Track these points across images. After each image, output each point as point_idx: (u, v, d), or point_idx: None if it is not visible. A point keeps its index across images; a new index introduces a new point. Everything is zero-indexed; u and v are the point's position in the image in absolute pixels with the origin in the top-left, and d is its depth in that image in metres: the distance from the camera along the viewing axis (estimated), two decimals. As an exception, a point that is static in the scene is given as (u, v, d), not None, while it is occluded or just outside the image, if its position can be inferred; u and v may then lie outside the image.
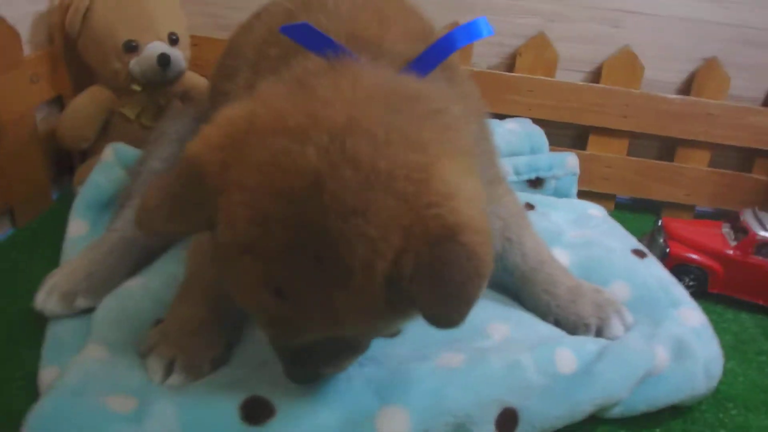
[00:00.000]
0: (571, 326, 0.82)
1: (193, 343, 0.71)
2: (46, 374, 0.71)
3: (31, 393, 0.71)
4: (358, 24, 0.67)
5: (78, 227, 0.96)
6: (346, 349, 0.63)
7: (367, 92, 0.56)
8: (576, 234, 1.02)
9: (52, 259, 0.95)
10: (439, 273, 0.50)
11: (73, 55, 1.10)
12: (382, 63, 0.63)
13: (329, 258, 0.51)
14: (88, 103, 1.06)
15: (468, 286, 0.50)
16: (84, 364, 0.68)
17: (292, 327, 0.56)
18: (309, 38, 0.64)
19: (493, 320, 0.82)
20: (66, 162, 1.16)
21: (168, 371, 0.69)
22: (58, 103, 1.13)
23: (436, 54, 0.65)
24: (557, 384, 0.71)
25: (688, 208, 1.30)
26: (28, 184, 1.04)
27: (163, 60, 1.01)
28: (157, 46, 1.04)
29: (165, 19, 1.07)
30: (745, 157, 1.27)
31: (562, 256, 0.94)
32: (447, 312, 0.50)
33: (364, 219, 0.50)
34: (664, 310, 0.84)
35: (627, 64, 1.23)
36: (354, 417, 0.65)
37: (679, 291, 0.89)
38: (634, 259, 0.96)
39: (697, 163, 1.26)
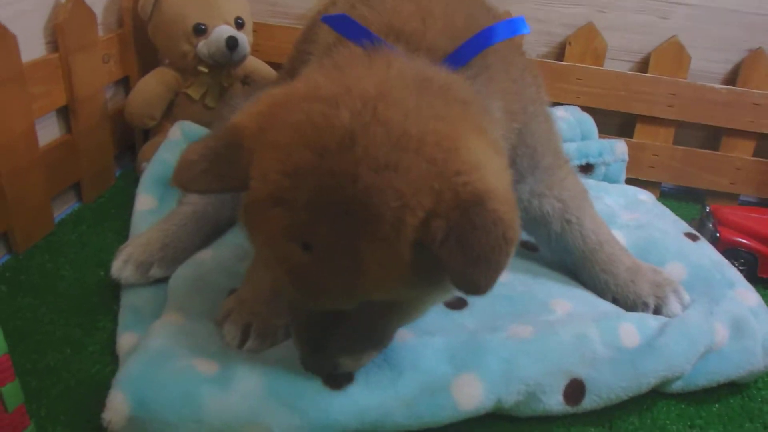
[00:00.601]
0: (630, 304, 0.85)
1: (268, 310, 0.74)
2: (124, 340, 0.75)
3: (107, 358, 0.75)
4: (401, 17, 0.70)
5: (146, 201, 0.99)
6: (365, 338, 0.63)
7: (398, 73, 0.59)
8: (629, 217, 1.04)
9: (119, 232, 0.99)
10: (469, 236, 0.51)
11: (140, 37, 1.14)
12: (418, 55, 0.66)
13: (358, 209, 0.52)
14: (155, 83, 1.10)
15: (496, 250, 0.51)
16: (165, 329, 0.71)
17: (315, 284, 0.56)
18: (348, 28, 0.67)
19: (556, 296, 0.85)
20: (128, 141, 1.20)
21: (244, 337, 0.72)
22: (125, 83, 1.17)
23: (469, 50, 0.68)
24: (622, 356, 0.74)
25: (733, 197, 1.32)
26: (96, 160, 1.08)
27: (231, 42, 1.05)
28: (225, 30, 1.07)
29: (232, 4, 1.10)
30: (790, 147, 1.29)
31: (617, 237, 0.96)
32: (476, 276, 0.51)
33: (397, 174, 0.52)
34: (721, 290, 0.87)
35: (674, 54, 1.25)
36: (430, 384, 0.68)
37: (733, 272, 0.91)
38: (687, 241, 0.98)
39: (741, 152, 1.28)
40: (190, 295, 0.78)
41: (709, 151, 1.30)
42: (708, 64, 1.26)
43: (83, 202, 1.07)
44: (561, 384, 0.71)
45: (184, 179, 0.58)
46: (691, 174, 1.30)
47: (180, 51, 1.09)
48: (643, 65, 1.28)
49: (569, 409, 0.72)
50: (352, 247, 0.53)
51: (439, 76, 0.62)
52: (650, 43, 1.26)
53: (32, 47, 0.91)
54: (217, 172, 0.57)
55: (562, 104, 1.27)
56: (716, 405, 0.78)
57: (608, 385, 0.73)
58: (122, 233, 0.99)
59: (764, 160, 1.29)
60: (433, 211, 0.52)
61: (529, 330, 0.75)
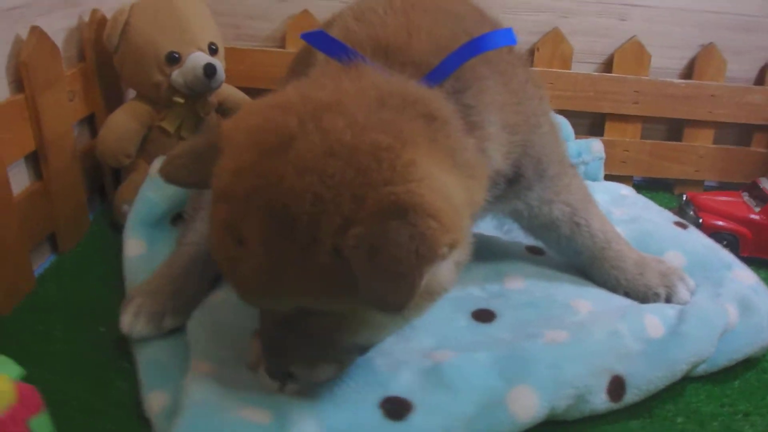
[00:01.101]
0: (642, 296, 0.87)
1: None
2: (154, 399, 0.69)
3: (129, 422, 0.69)
4: (386, 31, 0.69)
5: (136, 247, 0.93)
6: (317, 349, 0.62)
7: (363, 87, 0.60)
8: (620, 212, 1.07)
9: (105, 280, 0.93)
10: (378, 246, 0.49)
11: (103, 71, 1.07)
12: (402, 69, 0.65)
13: (280, 210, 0.53)
14: (127, 118, 1.04)
15: (405, 265, 0.49)
16: (202, 381, 0.66)
17: (245, 279, 0.57)
18: (326, 44, 0.68)
19: (575, 297, 0.86)
20: (97, 182, 1.12)
21: (282, 380, 0.68)
22: (89, 121, 1.10)
23: (452, 63, 0.67)
24: (652, 348, 0.75)
25: (698, 184, 1.39)
26: (69, 206, 1.00)
27: (210, 70, 1.00)
28: (200, 57, 1.02)
29: (203, 30, 1.06)
30: (744, 133, 1.37)
31: (619, 230, 0.99)
32: (383, 290, 0.49)
33: (319, 179, 0.52)
34: (720, 273, 0.91)
35: (635, 53, 1.30)
36: (486, 401, 0.67)
37: (727, 255, 0.96)
38: (678, 230, 1.02)
39: (703, 141, 1.35)
40: (214, 340, 0.74)
41: (674, 143, 1.36)
42: (666, 60, 1.32)
43: (60, 252, 0.99)
44: (604, 382, 0.72)
45: (165, 171, 0.64)
46: (659, 165, 1.36)
47: (152, 82, 1.03)
48: (607, 66, 1.33)
49: (613, 406, 0.73)
50: (275, 247, 0.54)
51: (408, 91, 0.61)
52: (612, 44, 1.32)
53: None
54: (194, 167, 0.62)
55: (535, 109, 1.30)
56: (736, 382, 0.82)
57: (645, 377, 0.74)
58: (109, 282, 0.92)
59: (723, 146, 1.36)
60: (351, 218, 0.51)
61: (564, 334, 0.75)
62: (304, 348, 0.62)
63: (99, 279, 0.94)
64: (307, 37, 0.70)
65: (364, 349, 0.69)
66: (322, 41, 0.68)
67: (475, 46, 0.67)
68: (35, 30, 0.88)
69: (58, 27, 0.98)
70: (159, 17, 1.02)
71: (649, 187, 1.38)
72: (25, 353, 0.76)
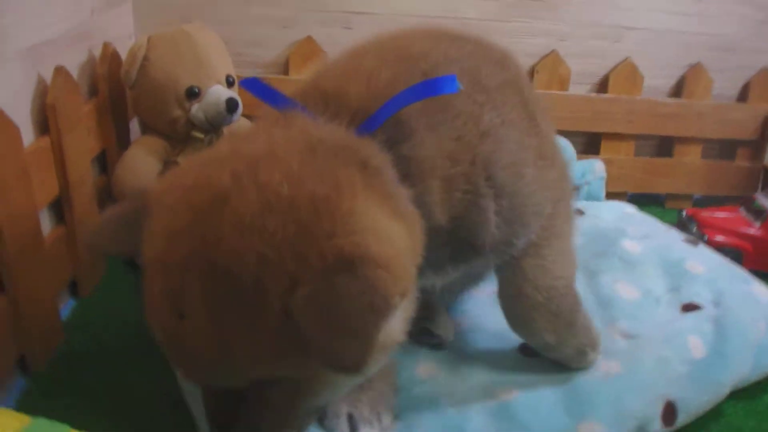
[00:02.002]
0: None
1: (366, 397, 0.72)
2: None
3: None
4: (328, 78, 0.66)
5: None
6: (273, 422, 0.57)
7: (292, 135, 0.57)
8: (632, 229, 1.12)
9: (130, 322, 0.89)
10: (329, 304, 0.47)
11: (115, 106, 1.03)
12: (331, 117, 0.61)
13: (221, 274, 0.49)
14: (144, 154, 1.00)
15: (360, 320, 0.46)
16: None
17: (191, 356, 0.52)
18: (261, 92, 0.65)
19: (610, 321, 0.89)
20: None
21: (352, 428, 0.69)
22: (101, 158, 1.05)
23: (386, 112, 0.62)
24: (697, 369, 0.79)
25: (688, 198, 1.46)
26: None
27: (233, 104, 0.98)
28: (221, 91, 1.00)
29: (221, 62, 1.03)
30: (729, 147, 1.45)
31: (636, 247, 1.04)
32: (338, 349, 0.46)
33: (261, 238, 0.49)
34: (740, 287, 0.95)
35: (629, 74, 1.36)
36: (560, 438, 0.69)
37: (740, 270, 1.01)
38: (690, 246, 1.07)
39: (692, 156, 1.42)
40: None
41: (665, 158, 1.42)
42: (657, 80, 1.38)
43: (80, 297, 0.95)
44: (659, 409, 0.75)
45: (92, 242, 0.61)
46: (652, 181, 1.42)
47: (170, 117, 0.99)
48: (601, 86, 1.38)
49: (666, 431, 0.76)
50: (222, 316, 0.49)
51: (337, 139, 0.58)
52: (606, 66, 1.37)
53: (25, 133, 0.79)
54: (123, 236, 0.57)
55: (537, 130, 1.33)
56: (765, 396, 0.86)
57: (694, 401, 0.77)
58: (134, 325, 0.89)
59: (710, 161, 1.44)
60: (298, 277, 0.48)
61: (616, 365, 0.78)
62: (259, 422, 0.57)
63: (124, 323, 0.90)
64: (244, 83, 0.67)
65: (318, 412, 0.64)
66: (257, 89, 0.65)
67: (409, 96, 0.61)
68: (60, 70, 0.84)
69: (72, 63, 0.93)
70: (178, 51, 0.99)
71: (640, 201, 1.44)
72: (65, 410, 0.74)
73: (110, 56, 1.01)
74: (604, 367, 0.78)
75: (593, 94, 1.36)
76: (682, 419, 0.76)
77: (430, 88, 0.61)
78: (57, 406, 0.75)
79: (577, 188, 1.27)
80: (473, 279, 0.89)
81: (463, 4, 1.30)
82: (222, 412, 0.56)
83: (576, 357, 0.77)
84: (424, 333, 0.85)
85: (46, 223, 0.87)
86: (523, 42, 1.33)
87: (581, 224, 1.11)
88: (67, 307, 0.93)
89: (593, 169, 1.28)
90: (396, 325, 0.56)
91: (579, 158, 1.32)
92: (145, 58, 0.97)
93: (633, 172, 1.41)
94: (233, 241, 0.49)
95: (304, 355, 0.49)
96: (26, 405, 0.75)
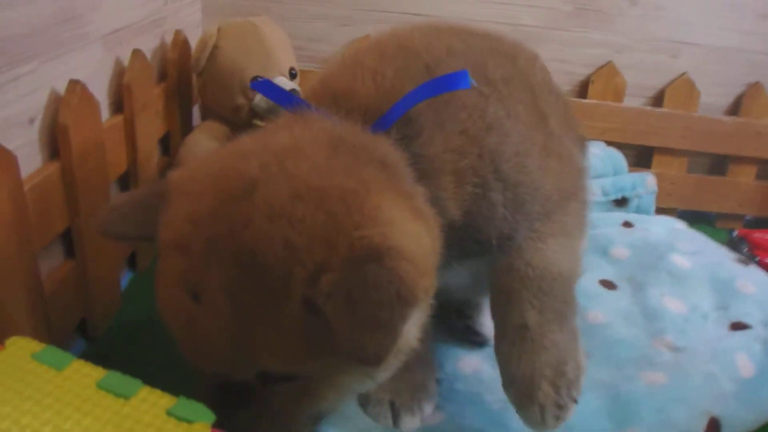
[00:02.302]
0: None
1: (406, 385, 0.72)
2: None
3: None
4: (336, 78, 0.66)
5: None
6: (270, 423, 0.56)
7: (314, 133, 0.58)
8: (682, 245, 1.11)
9: None
10: (358, 293, 0.46)
11: (181, 91, 1.07)
12: (352, 116, 0.61)
13: (247, 257, 0.48)
14: (206, 139, 1.04)
15: (387, 309, 0.46)
16: (327, 421, 0.68)
17: (202, 341, 0.51)
18: (273, 93, 0.66)
19: (657, 333, 0.88)
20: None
21: (394, 415, 0.70)
22: (165, 140, 1.10)
23: (397, 110, 0.62)
24: (744, 388, 0.78)
25: (739, 218, 1.43)
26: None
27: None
28: (284, 83, 1.03)
29: (284, 56, 1.06)
30: (783, 169, 1.43)
31: (686, 262, 1.02)
32: (363, 338, 0.46)
33: (289, 224, 0.49)
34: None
35: (685, 89, 1.34)
36: (597, 444, 0.69)
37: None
38: (741, 266, 1.05)
39: (746, 176, 1.40)
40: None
41: (718, 177, 1.40)
42: (714, 98, 1.37)
43: (138, 270, 0.99)
44: (703, 424, 0.74)
45: (101, 223, 0.56)
46: (703, 199, 1.40)
47: (234, 104, 1.03)
48: (657, 100, 1.37)
49: (709, 447, 0.75)
50: (240, 300, 0.49)
51: (356, 137, 0.58)
52: (663, 80, 1.36)
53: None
54: (136, 219, 0.56)
55: (588, 141, 1.33)
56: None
57: (740, 419, 0.76)
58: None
59: (765, 182, 1.41)
60: (324, 264, 0.48)
61: (662, 376, 0.78)
62: (259, 424, 0.55)
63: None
64: (255, 86, 0.69)
65: (320, 419, 0.61)
66: (268, 89, 0.66)
67: (425, 90, 0.62)
68: (138, 53, 0.88)
69: (146, 48, 0.98)
70: (246, 42, 1.02)
71: (690, 219, 1.42)
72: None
73: (181, 43, 1.05)
74: (649, 377, 0.78)
75: (648, 108, 1.36)
76: (726, 436, 0.76)
77: (442, 84, 0.61)
78: (111, 368, 0.79)
79: (626, 200, 1.26)
80: (483, 280, 0.87)
81: (519, 11, 1.31)
82: (223, 405, 0.53)
83: (538, 394, 0.62)
84: (468, 331, 0.86)
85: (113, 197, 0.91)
86: (580, 52, 1.33)
87: (630, 236, 1.11)
88: (125, 278, 0.98)
89: (644, 183, 1.27)
90: (411, 328, 0.55)
91: (631, 171, 1.31)
92: (215, 47, 1.01)
93: (684, 188, 1.39)
94: (261, 225, 0.49)
95: (321, 350, 0.49)
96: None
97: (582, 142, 0.91)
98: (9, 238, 0.62)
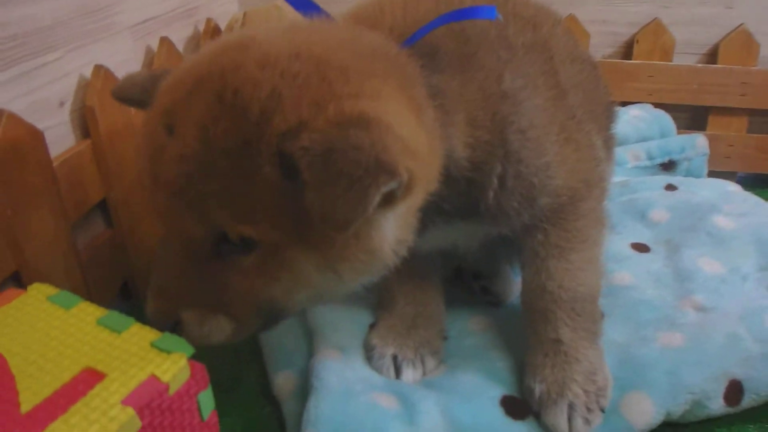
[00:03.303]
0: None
1: (411, 340, 0.75)
2: (282, 380, 0.75)
3: (261, 400, 0.75)
4: (359, 10, 0.67)
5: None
6: (217, 298, 0.55)
7: (334, 26, 0.58)
8: (728, 207, 1.04)
9: None
10: (335, 150, 0.44)
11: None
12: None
13: (229, 95, 0.48)
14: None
15: (362, 169, 0.44)
16: (332, 366, 0.70)
17: (169, 172, 0.50)
18: (303, 5, 0.65)
19: (685, 293, 0.84)
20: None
21: (397, 369, 0.73)
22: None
23: (422, 32, 0.61)
24: (772, 350, 0.73)
25: (808, 180, 1.32)
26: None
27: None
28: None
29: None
30: None
31: (730, 223, 0.97)
32: (333, 194, 0.44)
33: (281, 76, 0.48)
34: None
35: (743, 42, 1.25)
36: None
37: None
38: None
39: (816, 134, 1.28)
40: (336, 330, 0.78)
41: (784, 136, 1.30)
42: (776, 49, 1.26)
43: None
44: (721, 387, 0.71)
45: (119, 88, 0.61)
46: (765, 160, 1.30)
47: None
48: (711, 56, 1.28)
49: (729, 410, 0.72)
50: (210, 134, 0.48)
51: (379, 43, 0.58)
52: (717, 34, 1.27)
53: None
54: (144, 84, 0.58)
55: (634, 103, 1.28)
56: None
57: (765, 383, 0.72)
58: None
59: (838, 140, 1.29)
60: (307, 122, 0.47)
61: (680, 337, 0.75)
62: (204, 292, 0.54)
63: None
64: None
65: (272, 314, 0.57)
66: (300, 1, 0.65)
67: (450, 15, 0.62)
68: (164, 41, 0.95)
69: (178, 37, 1.05)
70: (270, 25, 1.07)
71: (754, 184, 1.33)
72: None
73: (212, 30, 1.12)
74: (664, 339, 0.75)
75: (700, 65, 1.27)
76: (748, 400, 0.72)
77: (467, 12, 0.62)
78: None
79: (674, 164, 1.20)
80: (491, 249, 0.85)
81: (557, -28, 1.27)
82: (170, 275, 0.54)
83: (568, 393, 0.66)
84: (482, 291, 0.86)
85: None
86: (621, 9, 1.27)
87: (671, 199, 1.06)
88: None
89: (694, 145, 1.20)
90: (389, 233, 0.54)
91: (679, 134, 1.25)
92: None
93: (745, 150, 1.30)
94: (252, 70, 0.49)
95: (281, 214, 0.49)
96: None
97: (610, 111, 0.89)
98: (42, 209, 0.70)
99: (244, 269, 0.53)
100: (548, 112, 0.66)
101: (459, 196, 0.63)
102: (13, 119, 0.65)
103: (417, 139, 0.51)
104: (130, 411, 0.46)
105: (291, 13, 1.11)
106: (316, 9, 0.64)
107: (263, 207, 0.49)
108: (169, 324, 0.55)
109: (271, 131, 0.47)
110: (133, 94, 0.60)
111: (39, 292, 0.60)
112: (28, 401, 0.47)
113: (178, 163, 0.49)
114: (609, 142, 0.87)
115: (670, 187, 1.12)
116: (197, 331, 0.55)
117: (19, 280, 0.69)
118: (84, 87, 0.80)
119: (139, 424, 0.47)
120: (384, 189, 0.45)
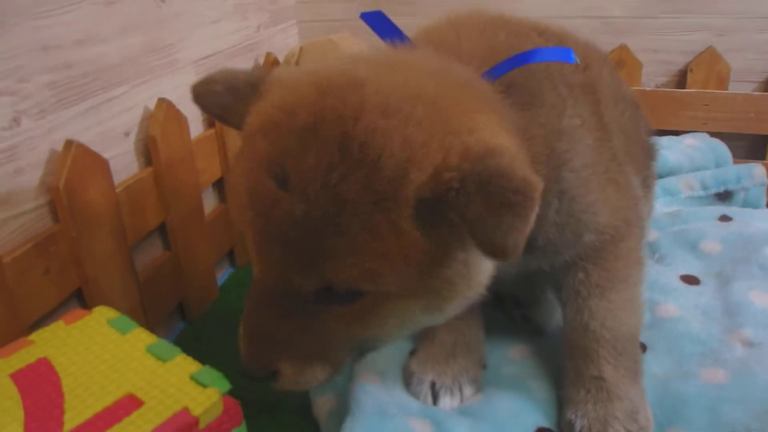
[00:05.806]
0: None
1: (450, 368, 0.76)
2: (322, 402, 0.77)
3: (302, 422, 0.78)
4: (434, 33, 0.66)
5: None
6: (312, 346, 0.54)
7: (425, 57, 0.56)
8: (787, 239, 1.00)
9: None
10: (487, 182, 0.44)
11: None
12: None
13: (355, 147, 0.45)
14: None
15: (520, 194, 0.43)
16: (370, 389, 0.72)
17: (282, 226, 0.47)
18: (381, 26, 0.63)
19: (733, 328, 0.82)
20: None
21: (434, 395, 0.74)
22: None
23: (501, 69, 0.62)
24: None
25: None
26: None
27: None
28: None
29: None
30: None
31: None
32: (501, 226, 0.43)
33: (406, 122, 0.46)
34: None
35: (804, 70, 1.21)
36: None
37: None
38: None
39: None
40: (377, 356, 0.79)
41: None
42: (839, 76, 1.22)
43: (237, 266, 1.12)
44: (765, 426, 0.68)
45: (198, 90, 0.57)
46: (832, 192, 1.24)
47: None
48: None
49: (776, 451, 0.69)
50: (335, 189, 0.45)
51: (467, 76, 0.57)
52: (775, 61, 1.24)
53: (194, 125, 0.98)
54: (226, 99, 0.55)
55: (688, 132, 1.25)
56: None
57: (815, 424, 0.69)
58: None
59: None
60: (442, 165, 0.45)
61: (723, 373, 0.73)
62: (302, 342, 0.53)
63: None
64: (365, 17, 0.65)
65: (365, 350, 0.59)
66: (378, 22, 0.63)
67: (532, 56, 0.62)
68: (223, 74, 1.01)
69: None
70: (325, 58, 1.12)
71: (820, 214, 1.27)
72: (207, 355, 0.88)
73: (271, 64, 1.18)
74: (706, 375, 0.73)
75: (757, 93, 1.24)
76: (798, 438, 0.69)
77: (547, 53, 0.62)
78: (202, 349, 0.91)
79: (730, 194, 1.16)
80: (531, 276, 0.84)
81: (606, 3, 1.27)
82: (266, 325, 0.53)
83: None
84: (523, 320, 0.87)
85: (210, 201, 1.06)
86: (675, 39, 1.26)
87: (724, 230, 1.03)
88: (225, 273, 1.11)
89: (751, 174, 1.16)
90: (485, 269, 0.54)
91: (736, 163, 1.21)
92: (297, 64, 1.12)
93: (808, 179, 1.24)
94: (375, 119, 0.46)
95: (408, 264, 0.47)
96: (179, 343, 0.92)
97: (649, 149, 0.89)
98: (103, 232, 0.77)
99: (346, 317, 0.53)
100: (597, 152, 0.67)
101: None
102: (81, 149, 0.72)
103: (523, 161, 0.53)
104: (159, 441, 0.48)
105: (345, 45, 1.16)
106: (399, 34, 0.64)
107: (391, 262, 0.48)
108: (266, 373, 0.54)
109: (409, 184, 0.46)
110: (210, 106, 0.57)
111: (101, 314, 0.65)
112: (71, 421, 0.50)
113: (300, 221, 0.47)
114: (647, 181, 0.87)
115: (725, 218, 1.08)
116: (294, 384, 0.55)
117: (82, 298, 0.74)
118: (148, 118, 0.86)
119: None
120: (537, 206, 0.45)
